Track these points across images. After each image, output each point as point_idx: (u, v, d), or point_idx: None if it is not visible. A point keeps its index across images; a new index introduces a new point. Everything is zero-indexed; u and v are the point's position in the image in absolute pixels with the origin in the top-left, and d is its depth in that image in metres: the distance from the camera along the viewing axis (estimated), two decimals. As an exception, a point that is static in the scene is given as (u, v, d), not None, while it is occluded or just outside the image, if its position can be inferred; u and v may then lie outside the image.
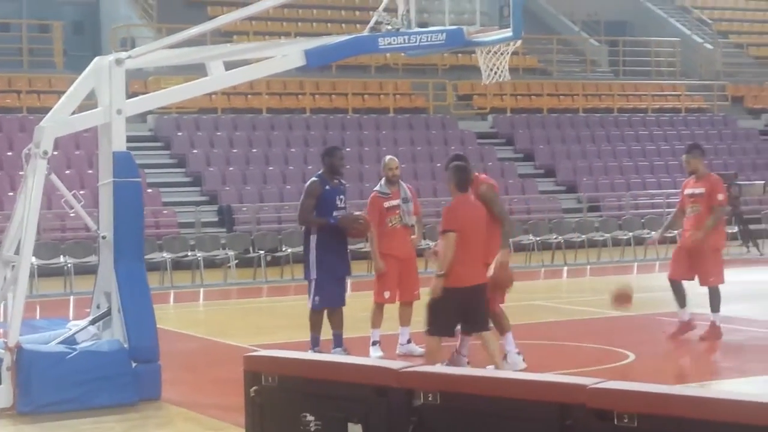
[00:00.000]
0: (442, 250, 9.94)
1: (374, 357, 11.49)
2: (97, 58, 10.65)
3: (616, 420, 5.40)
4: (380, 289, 12.05)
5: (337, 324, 11.77)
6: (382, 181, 12.32)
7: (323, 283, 11.66)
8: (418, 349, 11.71)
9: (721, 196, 12.94)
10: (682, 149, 14.47)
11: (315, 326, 11.78)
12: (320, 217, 11.69)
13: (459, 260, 9.83)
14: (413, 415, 6.09)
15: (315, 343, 11.71)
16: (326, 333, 11.82)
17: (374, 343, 11.98)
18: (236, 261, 21.52)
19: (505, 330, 11.02)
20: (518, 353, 10.96)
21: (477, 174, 10.99)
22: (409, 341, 12.02)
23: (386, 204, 12.12)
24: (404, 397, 6.11)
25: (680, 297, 12.92)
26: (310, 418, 6.35)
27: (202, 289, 20.24)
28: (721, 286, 12.98)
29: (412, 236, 12.19)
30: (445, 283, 9.84)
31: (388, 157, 12.56)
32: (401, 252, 11.98)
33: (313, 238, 11.73)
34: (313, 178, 11.95)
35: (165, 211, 24.18)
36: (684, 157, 13.26)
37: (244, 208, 24.82)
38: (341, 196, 11.88)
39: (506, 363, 10.77)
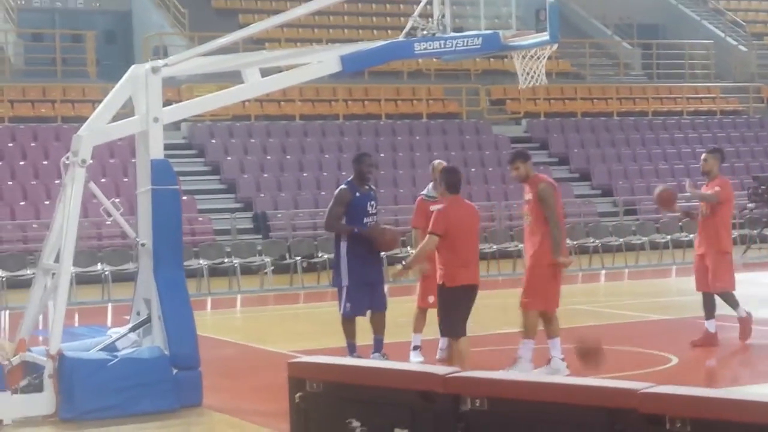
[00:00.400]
0: (419, 247, 10.39)
1: (414, 362, 11.44)
2: (133, 67, 10.61)
3: (668, 425, 5.32)
4: (424, 294, 11.96)
5: (379, 328, 11.69)
6: (430, 185, 12.26)
7: (354, 290, 11.57)
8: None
9: (717, 188, 12.68)
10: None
11: (349, 333, 11.68)
12: (348, 225, 11.62)
13: (449, 261, 10.07)
14: (460, 421, 6.04)
15: (352, 350, 11.62)
16: (362, 338, 11.76)
17: (415, 348, 11.92)
18: (272, 267, 21.50)
19: (554, 334, 10.95)
20: (562, 359, 10.86)
21: (537, 174, 11.04)
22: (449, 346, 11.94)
23: (432, 208, 12.05)
24: (451, 403, 6.06)
25: (708, 308, 12.71)
26: (355, 423, 6.31)
27: (239, 296, 20.25)
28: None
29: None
30: (446, 284, 10.07)
31: (436, 161, 12.50)
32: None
33: (344, 245, 11.66)
34: (343, 186, 11.87)
35: (200, 218, 24.20)
36: (703, 156, 13.10)
37: (279, 215, 24.81)
38: (372, 202, 11.79)
39: (550, 368, 10.72)
